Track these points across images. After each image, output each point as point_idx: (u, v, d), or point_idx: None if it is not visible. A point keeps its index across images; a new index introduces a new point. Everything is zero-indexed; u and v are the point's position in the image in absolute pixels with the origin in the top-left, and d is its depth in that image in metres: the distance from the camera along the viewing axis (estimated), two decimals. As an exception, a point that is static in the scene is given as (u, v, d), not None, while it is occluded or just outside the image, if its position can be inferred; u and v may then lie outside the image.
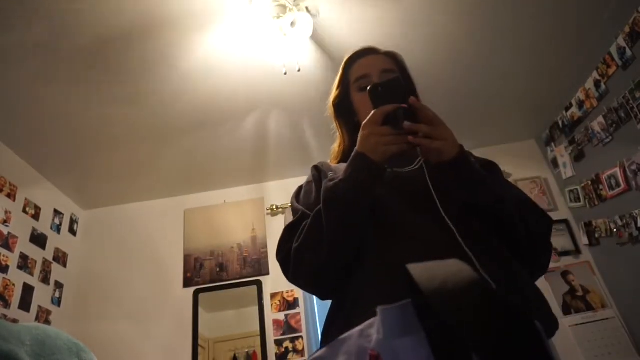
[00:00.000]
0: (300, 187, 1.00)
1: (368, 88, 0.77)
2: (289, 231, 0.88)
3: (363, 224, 0.78)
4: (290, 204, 1.00)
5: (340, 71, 1.08)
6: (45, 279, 2.78)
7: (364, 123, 0.78)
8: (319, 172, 0.97)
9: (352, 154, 0.79)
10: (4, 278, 2.41)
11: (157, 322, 2.94)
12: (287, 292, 2.96)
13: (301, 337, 2.83)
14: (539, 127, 3.24)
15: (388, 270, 0.72)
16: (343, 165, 0.97)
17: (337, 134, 1.10)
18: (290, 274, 0.85)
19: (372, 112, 0.76)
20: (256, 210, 3.29)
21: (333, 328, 0.74)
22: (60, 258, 2.99)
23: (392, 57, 1.05)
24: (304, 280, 0.85)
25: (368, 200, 0.78)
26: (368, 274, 0.75)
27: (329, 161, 1.08)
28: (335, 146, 1.09)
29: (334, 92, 1.08)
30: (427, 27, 2.23)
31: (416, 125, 0.74)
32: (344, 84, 1.06)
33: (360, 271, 0.76)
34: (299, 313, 2.91)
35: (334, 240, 0.77)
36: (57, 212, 3.04)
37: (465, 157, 0.77)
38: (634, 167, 2.35)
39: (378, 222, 0.79)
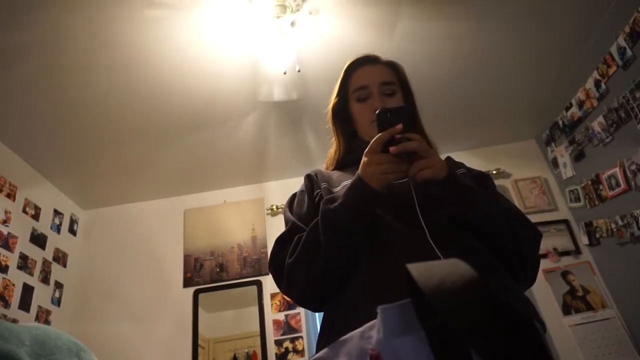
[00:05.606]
0: (294, 195, 1.01)
1: (377, 112, 0.80)
2: (280, 244, 0.91)
3: (358, 246, 0.79)
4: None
5: (341, 77, 1.07)
6: (45, 279, 2.78)
7: (365, 151, 0.79)
8: (311, 182, 0.98)
9: (354, 177, 0.81)
10: (3, 278, 2.41)
11: (157, 322, 2.94)
12: (287, 292, 2.96)
13: (301, 337, 2.83)
14: (539, 127, 3.24)
15: (381, 281, 0.73)
16: (337, 173, 0.98)
17: (333, 139, 1.10)
18: (283, 288, 0.88)
19: (372, 140, 0.79)
20: (256, 210, 3.29)
21: (324, 340, 0.75)
22: (60, 258, 2.99)
23: (392, 67, 1.05)
24: (296, 295, 0.87)
25: (365, 225, 0.79)
26: (362, 286, 0.76)
27: (324, 167, 1.09)
28: (331, 152, 1.09)
29: (333, 99, 1.09)
30: (428, 28, 2.23)
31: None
32: (343, 92, 1.06)
33: (353, 284, 0.77)
34: (299, 313, 2.90)
35: (329, 261, 0.78)
36: (57, 212, 3.04)
37: (454, 177, 0.80)
38: (633, 167, 2.35)
39: (371, 235, 0.80)
